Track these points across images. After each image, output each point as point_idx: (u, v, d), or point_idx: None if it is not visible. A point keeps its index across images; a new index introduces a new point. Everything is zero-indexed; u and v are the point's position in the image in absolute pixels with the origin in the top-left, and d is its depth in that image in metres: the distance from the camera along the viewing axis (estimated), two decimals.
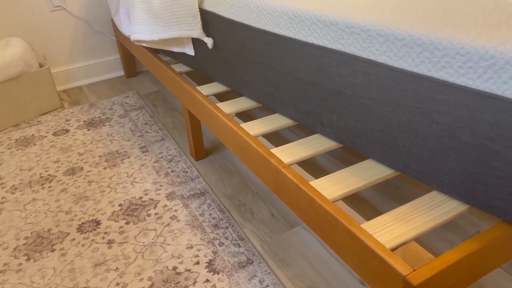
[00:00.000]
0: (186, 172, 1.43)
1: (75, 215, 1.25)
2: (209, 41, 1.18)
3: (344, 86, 0.82)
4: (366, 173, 0.81)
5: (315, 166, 1.41)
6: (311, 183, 0.80)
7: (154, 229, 1.18)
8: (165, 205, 1.27)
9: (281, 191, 0.89)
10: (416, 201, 0.73)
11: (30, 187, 1.39)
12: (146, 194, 1.32)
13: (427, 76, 0.66)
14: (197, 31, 1.18)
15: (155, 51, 1.62)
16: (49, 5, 2.00)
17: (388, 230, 0.68)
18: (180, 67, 1.47)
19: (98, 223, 1.21)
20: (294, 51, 0.91)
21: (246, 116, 1.73)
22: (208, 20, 1.16)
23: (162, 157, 1.52)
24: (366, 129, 0.81)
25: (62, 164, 1.51)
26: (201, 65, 1.34)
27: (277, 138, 1.59)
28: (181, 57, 1.46)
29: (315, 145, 0.92)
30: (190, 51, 1.32)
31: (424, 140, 0.70)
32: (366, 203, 1.23)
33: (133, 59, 2.24)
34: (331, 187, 0.79)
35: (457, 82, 0.62)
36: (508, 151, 0.59)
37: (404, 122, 0.73)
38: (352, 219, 0.70)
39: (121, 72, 2.32)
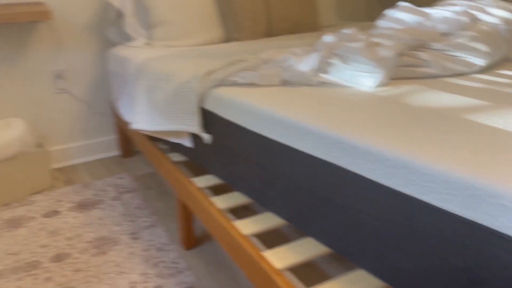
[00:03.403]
0: (175, 263, 1.41)
1: None
2: (206, 136, 1.23)
3: (336, 195, 0.85)
4: (356, 286, 0.81)
5: (308, 268, 1.39)
6: None
7: None
8: None
9: None
10: None
11: (15, 274, 1.35)
12: (133, 287, 1.29)
13: (414, 198, 0.69)
14: (195, 127, 1.23)
15: (153, 138, 1.67)
16: (54, 88, 2.09)
17: None
18: (176, 156, 1.51)
19: None
20: (288, 157, 0.95)
21: (238, 210, 1.69)
22: (208, 117, 1.22)
23: (152, 245, 1.50)
24: (357, 240, 0.83)
25: (49, 249, 1.48)
26: (197, 157, 1.38)
27: (268, 236, 1.56)
28: (178, 147, 1.51)
29: (308, 249, 0.93)
30: (187, 143, 1.37)
31: (415, 257, 0.72)
32: None
33: (129, 140, 2.29)
34: None
35: (442, 207, 0.65)
36: (493, 278, 0.60)
37: (394, 237, 0.75)
38: None
39: (117, 152, 2.36)
